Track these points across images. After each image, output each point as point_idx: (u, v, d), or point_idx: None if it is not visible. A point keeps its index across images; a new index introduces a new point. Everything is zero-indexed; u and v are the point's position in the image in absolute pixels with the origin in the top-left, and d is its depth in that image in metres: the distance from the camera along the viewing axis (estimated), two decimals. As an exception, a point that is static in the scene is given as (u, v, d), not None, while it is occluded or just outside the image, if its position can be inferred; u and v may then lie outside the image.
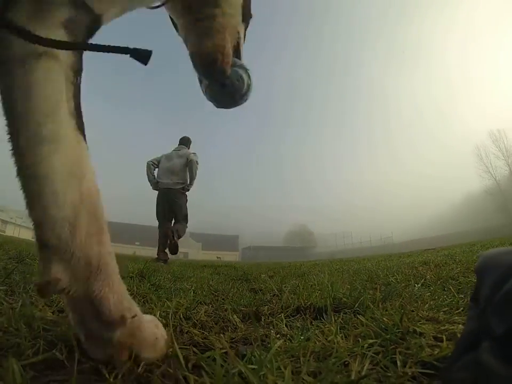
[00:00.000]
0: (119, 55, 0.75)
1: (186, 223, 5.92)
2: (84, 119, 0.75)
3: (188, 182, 5.89)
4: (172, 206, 5.75)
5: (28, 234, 51.10)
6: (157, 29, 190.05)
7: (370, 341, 0.88)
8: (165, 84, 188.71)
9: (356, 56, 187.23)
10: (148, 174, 5.93)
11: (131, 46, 0.76)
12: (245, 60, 1.25)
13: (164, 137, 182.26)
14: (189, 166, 5.82)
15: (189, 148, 6.24)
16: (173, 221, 5.93)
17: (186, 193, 5.93)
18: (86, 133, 0.75)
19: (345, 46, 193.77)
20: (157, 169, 6.03)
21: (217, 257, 45.51)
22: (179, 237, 5.52)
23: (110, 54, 0.75)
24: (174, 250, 5.53)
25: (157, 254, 5.65)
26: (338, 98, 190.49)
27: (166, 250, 5.65)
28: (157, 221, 5.91)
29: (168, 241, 5.47)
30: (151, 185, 5.92)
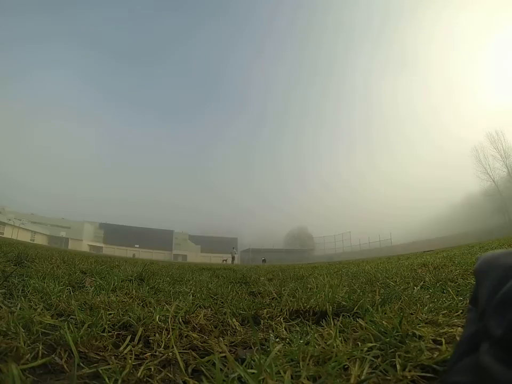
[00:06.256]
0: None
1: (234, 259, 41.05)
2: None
3: (236, 253, 46.39)
4: (234, 257, 40.51)
5: (26, 236, 50.92)
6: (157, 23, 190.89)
7: (370, 344, 0.89)
8: (166, 85, 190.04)
9: (353, 57, 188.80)
10: (234, 251, 41.79)
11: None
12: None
13: (164, 138, 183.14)
14: (236, 250, 48.47)
15: (233, 247, 46.36)
16: (234, 260, 40.79)
17: (236, 254, 44.92)
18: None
19: (343, 47, 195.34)
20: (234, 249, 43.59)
21: (223, 261, 47.01)
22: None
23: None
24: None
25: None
26: (336, 99, 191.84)
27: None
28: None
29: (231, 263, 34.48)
30: (232, 254, 40.58)
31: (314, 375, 0.72)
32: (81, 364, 0.78)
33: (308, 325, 1.23)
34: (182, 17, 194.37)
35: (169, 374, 0.75)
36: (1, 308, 1.17)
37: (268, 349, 0.91)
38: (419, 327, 1.00)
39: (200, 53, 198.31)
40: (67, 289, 1.79)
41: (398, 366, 0.74)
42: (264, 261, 43.17)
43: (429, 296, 1.62)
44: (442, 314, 1.19)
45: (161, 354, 0.89)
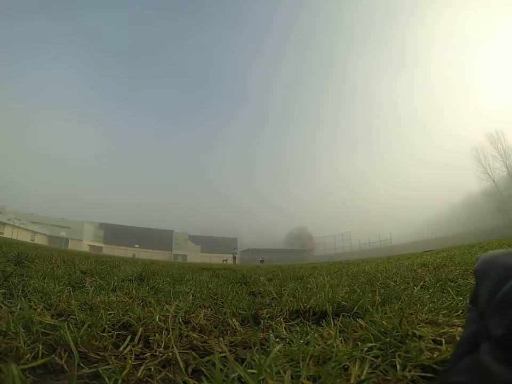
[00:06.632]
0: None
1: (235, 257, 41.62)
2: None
3: (237, 254, 45.69)
4: (235, 257, 40.25)
5: (26, 236, 50.89)
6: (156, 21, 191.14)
7: (370, 344, 0.89)
8: (167, 86, 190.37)
9: (353, 57, 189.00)
10: (235, 252, 43.36)
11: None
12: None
13: (164, 138, 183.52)
14: (237, 250, 48.71)
15: (234, 248, 47.96)
16: (236, 260, 41.16)
17: (237, 254, 43.82)
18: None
19: (343, 47, 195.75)
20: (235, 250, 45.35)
21: (223, 261, 47.78)
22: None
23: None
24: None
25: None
26: (336, 99, 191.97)
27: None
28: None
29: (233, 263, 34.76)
30: (233, 254, 40.93)
31: (314, 375, 0.72)
32: (81, 363, 0.78)
33: (308, 325, 1.23)
34: (182, 17, 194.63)
35: (169, 374, 0.75)
36: (1, 307, 1.17)
37: (268, 349, 0.91)
38: (419, 327, 1.00)
39: (200, 53, 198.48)
40: (67, 289, 1.79)
41: (398, 366, 0.74)
42: (262, 261, 44.77)
43: (429, 296, 1.62)
44: (442, 314, 1.19)
45: (161, 354, 0.89)
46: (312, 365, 0.78)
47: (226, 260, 46.80)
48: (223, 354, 0.85)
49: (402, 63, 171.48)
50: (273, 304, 1.65)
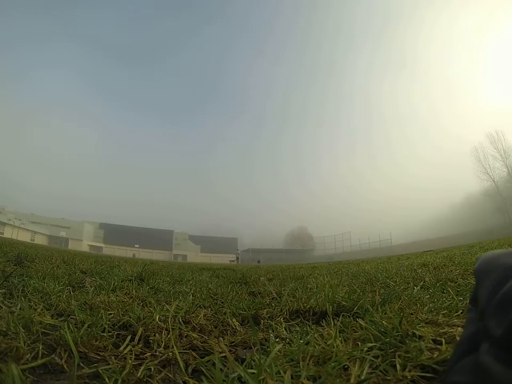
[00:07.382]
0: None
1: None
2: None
3: (240, 254, 44.41)
4: (238, 258, 41.81)
5: (26, 236, 50.88)
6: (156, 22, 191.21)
7: (370, 344, 0.89)
8: (167, 85, 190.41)
9: (353, 57, 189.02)
10: (237, 252, 46.03)
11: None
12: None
13: (164, 138, 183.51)
14: (240, 251, 54.67)
15: (237, 249, 56.02)
16: (239, 260, 41.11)
17: (239, 255, 44.25)
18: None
19: (343, 47, 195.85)
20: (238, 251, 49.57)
21: (230, 261, 47.21)
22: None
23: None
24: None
25: None
26: (336, 99, 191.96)
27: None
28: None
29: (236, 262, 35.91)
30: (236, 255, 42.67)
31: (314, 375, 0.72)
32: (81, 363, 0.78)
33: (308, 325, 1.23)
34: (182, 17, 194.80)
35: (169, 374, 0.76)
36: (1, 307, 1.17)
37: (268, 349, 0.91)
38: (419, 327, 1.00)
39: (200, 53, 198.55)
40: (67, 289, 1.79)
41: (398, 366, 0.74)
42: (258, 261, 45.94)
43: (429, 296, 1.62)
44: (442, 314, 1.19)
45: (161, 354, 0.89)
46: (312, 365, 0.78)
47: (233, 261, 46.37)
48: (223, 354, 0.85)
49: (402, 63, 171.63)
50: (273, 304, 1.65)
